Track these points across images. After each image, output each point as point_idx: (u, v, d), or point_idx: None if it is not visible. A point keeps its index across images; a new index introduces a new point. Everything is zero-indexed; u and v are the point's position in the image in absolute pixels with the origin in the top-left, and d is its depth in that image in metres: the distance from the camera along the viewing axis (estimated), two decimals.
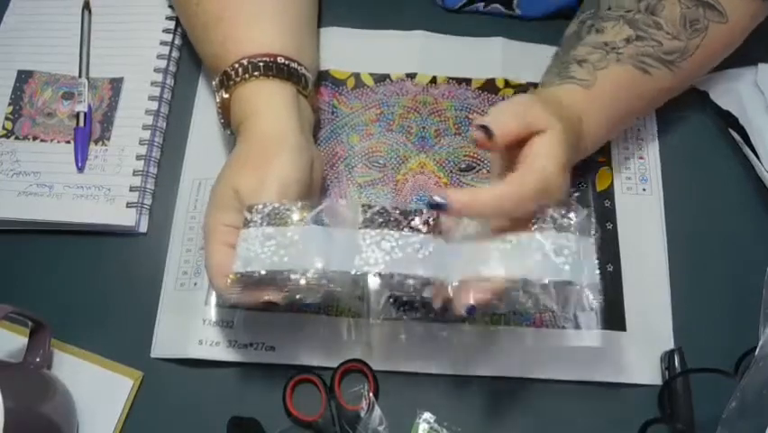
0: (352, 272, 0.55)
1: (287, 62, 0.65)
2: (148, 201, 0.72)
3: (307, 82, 0.67)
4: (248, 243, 0.57)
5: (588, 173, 0.72)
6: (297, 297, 0.57)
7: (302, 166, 0.61)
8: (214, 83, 0.66)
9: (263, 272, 0.55)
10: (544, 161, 0.56)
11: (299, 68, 0.66)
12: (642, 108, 0.70)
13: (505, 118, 0.56)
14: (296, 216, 0.57)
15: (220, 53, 0.66)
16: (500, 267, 0.55)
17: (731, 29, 0.67)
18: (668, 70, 0.65)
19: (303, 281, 0.55)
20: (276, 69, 0.64)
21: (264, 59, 0.64)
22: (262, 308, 0.62)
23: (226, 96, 0.65)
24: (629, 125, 0.74)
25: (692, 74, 0.69)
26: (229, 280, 0.56)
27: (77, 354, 0.66)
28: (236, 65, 0.64)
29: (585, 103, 0.63)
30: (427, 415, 0.63)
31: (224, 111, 0.66)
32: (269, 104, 0.64)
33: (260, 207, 0.57)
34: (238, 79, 0.64)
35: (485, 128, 0.55)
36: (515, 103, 0.60)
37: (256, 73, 0.64)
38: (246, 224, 0.57)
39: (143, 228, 0.71)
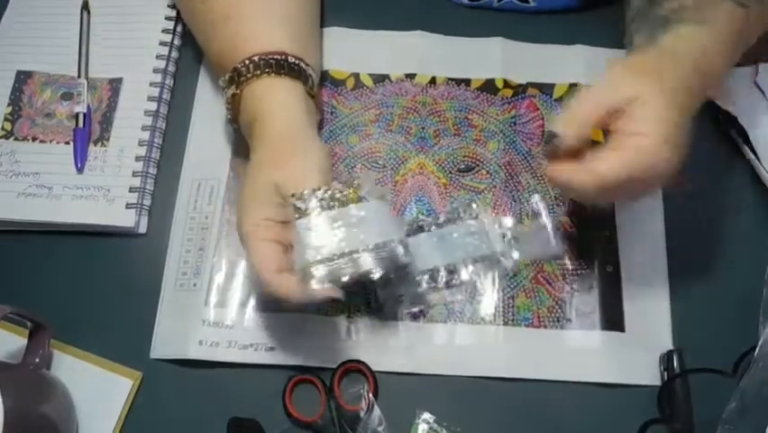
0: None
1: (296, 61, 0.66)
2: (147, 202, 0.72)
3: (314, 83, 0.68)
4: (314, 230, 0.57)
5: None
6: (370, 275, 0.57)
7: (327, 156, 0.63)
8: (221, 80, 0.67)
9: (341, 252, 0.57)
10: (641, 138, 0.56)
11: (307, 68, 0.67)
12: (745, 44, 0.66)
13: (583, 109, 0.58)
14: (352, 196, 0.58)
15: (227, 50, 0.67)
16: None
17: None
18: (760, 3, 0.63)
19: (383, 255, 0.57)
20: (287, 67, 0.65)
21: (276, 56, 0.65)
22: (290, 307, 0.63)
23: (237, 91, 0.65)
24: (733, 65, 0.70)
25: None
26: (314, 270, 0.56)
27: (76, 355, 0.66)
28: (247, 62, 0.64)
29: (706, 37, 0.61)
30: (427, 415, 0.63)
31: (234, 107, 0.67)
32: (284, 102, 0.64)
33: (317, 192, 0.58)
34: (249, 76, 0.64)
35: (552, 136, 0.58)
36: (599, 85, 0.59)
37: (267, 70, 0.64)
38: (302, 213, 0.58)
39: (143, 229, 0.71)
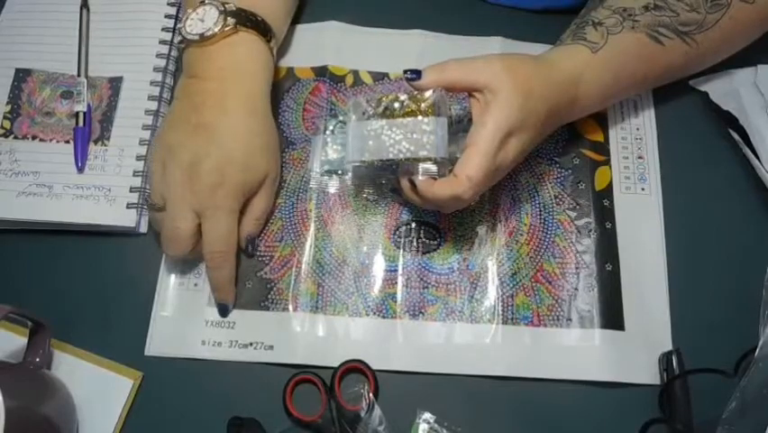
0: None
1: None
2: None
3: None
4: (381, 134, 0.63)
5: (587, 172, 0.72)
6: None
7: None
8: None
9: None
10: (478, 127, 0.60)
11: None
12: (650, 79, 0.70)
13: (449, 65, 0.63)
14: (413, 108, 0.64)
15: None
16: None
17: (757, 11, 0.67)
18: (682, 42, 0.66)
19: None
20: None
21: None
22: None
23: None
24: (632, 94, 0.75)
25: (709, 51, 0.69)
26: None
27: (77, 355, 0.66)
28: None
29: (587, 65, 0.65)
30: (427, 415, 0.63)
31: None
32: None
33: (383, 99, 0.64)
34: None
35: (415, 71, 0.62)
36: (474, 57, 0.63)
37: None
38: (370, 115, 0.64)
39: (143, 229, 0.71)
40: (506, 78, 0.60)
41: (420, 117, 0.62)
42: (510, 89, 0.60)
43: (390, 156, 0.62)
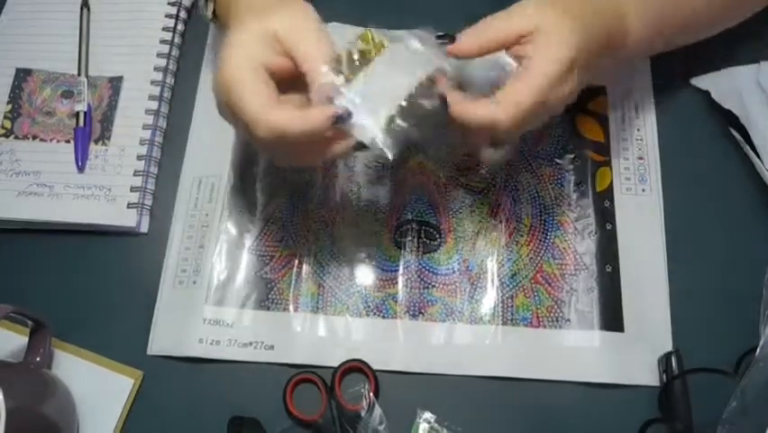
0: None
1: None
2: (149, 201, 0.72)
3: None
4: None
5: (587, 173, 0.72)
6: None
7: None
8: None
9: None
10: (538, 66, 0.55)
11: None
12: (691, 21, 0.67)
13: (485, 23, 0.58)
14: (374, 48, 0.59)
15: None
16: None
17: None
18: None
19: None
20: None
21: None
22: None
23: None
24: (685, 37, 0.70)
25: None
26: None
27: (77, 354, 0.66)
28: None
29: None
30: (427, 415, 0.63)
31: None
32: None
33: (352, 55, 0.57)
34: None
35: (450, 37, 0.58)
36: (508, 12, 0.58)
37: None
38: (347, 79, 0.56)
39: (144, 228, 0.71)
40: (550, 12, 0.56)
41: (382, 55, 0.58)
42: (559, 24, 0.55)
43: (405, 91, 0.56)
